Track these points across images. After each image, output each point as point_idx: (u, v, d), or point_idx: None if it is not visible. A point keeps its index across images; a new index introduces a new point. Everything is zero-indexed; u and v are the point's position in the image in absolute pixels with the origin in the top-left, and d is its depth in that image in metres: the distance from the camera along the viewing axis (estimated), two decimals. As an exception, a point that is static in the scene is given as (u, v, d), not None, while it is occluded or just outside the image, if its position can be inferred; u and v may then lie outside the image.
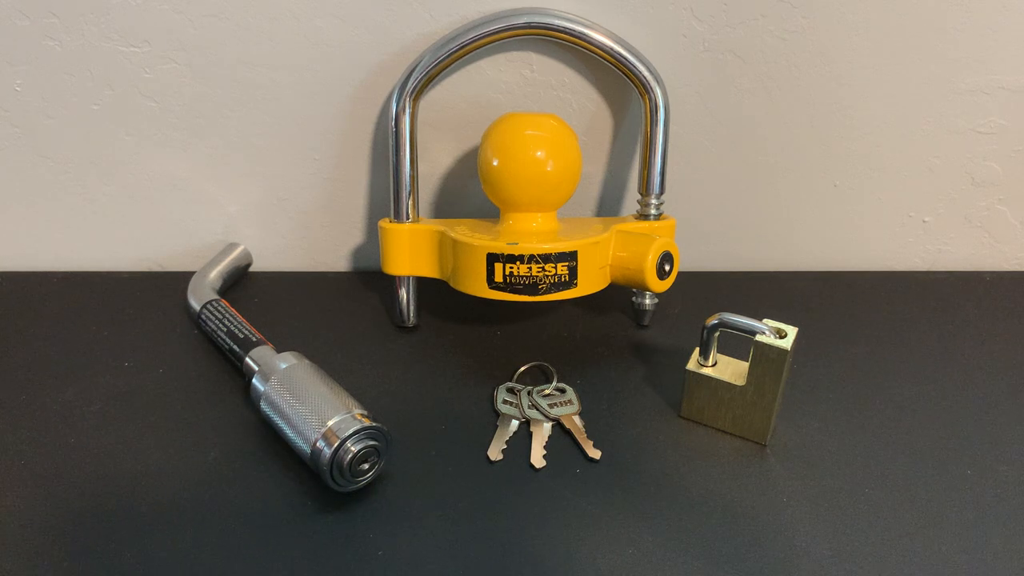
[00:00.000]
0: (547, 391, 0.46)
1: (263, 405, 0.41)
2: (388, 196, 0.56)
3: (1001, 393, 0.47)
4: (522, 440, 0.43)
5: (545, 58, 0.53)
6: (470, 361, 0.49)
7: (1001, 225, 0.60)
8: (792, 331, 0.40)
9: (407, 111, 0.49)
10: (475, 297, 0.47)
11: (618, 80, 0.53)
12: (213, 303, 0.50)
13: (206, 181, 0.57)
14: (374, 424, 0.38)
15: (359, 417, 0.38)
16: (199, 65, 0.52)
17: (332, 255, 0.60)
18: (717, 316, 0.42)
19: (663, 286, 0.47)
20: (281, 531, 0.37)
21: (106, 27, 0.51)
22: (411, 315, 0.52)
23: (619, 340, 0.52)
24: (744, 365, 0.43)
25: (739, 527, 0.37)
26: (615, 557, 0.36)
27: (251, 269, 0.60)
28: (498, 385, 0.47)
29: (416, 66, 0.49)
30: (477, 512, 0.38)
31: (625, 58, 0.49)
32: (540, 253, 0.45)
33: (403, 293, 0.52)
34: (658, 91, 0.50)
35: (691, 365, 0.43)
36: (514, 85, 0.53)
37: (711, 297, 0.56)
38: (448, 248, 0.48)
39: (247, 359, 0.45)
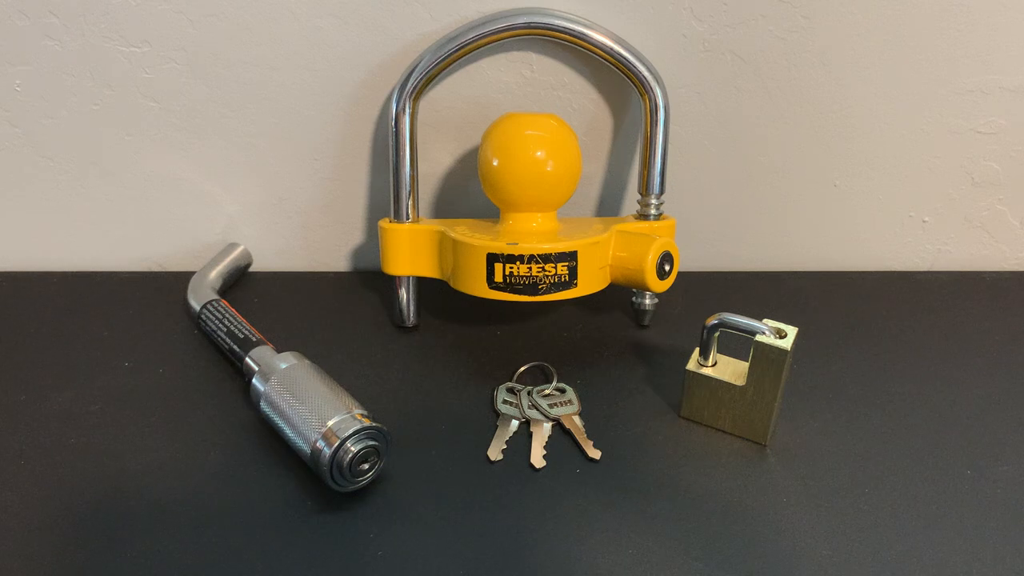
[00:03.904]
0: (547, 391, 0.46)
1: (263, 405, 0.41)
2: (388, 196, 0.56)
3: (1001, 393, 0.47)
4: (522, 440, 0.43)
5: (545, 58, 0.53)
6: (470, 361, 0.49)
7: (1001, 225, 0.60)
8: (792, 331, 0.40)
9: (407, 111, 0.49)
10: (475, 297, 0.47)
11: (618, 80, 0.53)
12: (213, 303, 0.50)
13: (206, 181, 0.57)
14: (374, 424, 0.38)
15: (359, 417, 0.38)
16: (199, 65, 0.52)
17: (332, 255, 0.60)
18: (717, 316, 0.42)
19: (663, 286, 0.47)
20: (281, 531, 0.37)
21: (106, 27, 0.51)
22: (411, 315, 0.52)
23: (619, 340, 0.52)
24: (744, 365, 0.43)
25: (739, 527, 0.37)
26: (615, 557, 0.36)
27: (251, 269, 0.59)
28: (498, 385, 0.47)
29: (416, 66, 0.49)
30: (477, 512, 0.38)
31: (625, 58, 0.49)
32: (540, 253, 0.45)
33: (403, 293, 0.52)
34: (658, 91, 0.50)
35: (691, 365, 0.43)
36: (514, 85, 0.53)
37: (711, 297, 0.56)
38: (448, 248, 0.48)
39: (247, 359, 0.45)
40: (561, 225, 0.50)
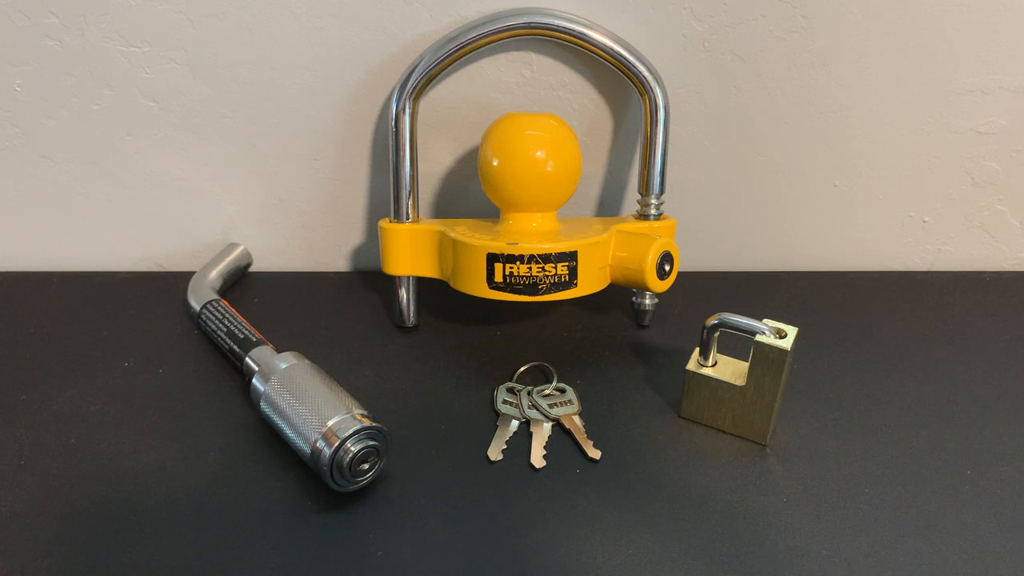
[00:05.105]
0: (547, 391, 0.46)
1: (263, 405, 0.41)
2: (388, 196, 0.56)
3: (1001, 393, 0.47)
4: (522, 440, 0.43)
5: (545, 58, 0.53)
6: (470, 361, 0.49)
7: (1001, 225, 0.60)
8: (792, 331, 0.40)
9: (407, 111, 0.49)
10: (475, 297, 0.47)
11: (618, 80, 0.53)
12: (213, 303, 0.50)
13: (206, 181, 0.57)
14: (374, 424, 0.38)
15: (359, 417, 0.38)
16: (199, 65, 0.52)
17: (332, 255, 0.60)
18: (717, 316, 0.42)
19: (663, 286, 0.47)
20: (281, 531, 0.37)
21: (106, 27, 0.51)
22: (411, 315, 0.52)
23: (619, 340, 0.52)
24: (744, 365, 0.43)
25: (739, 527, 0.37)
26: (615, 557, 0.36)
27: (251, 269, 0.60)
28: (498, 385, 0.47)
29: (416, 66, 0.49)
30: (477, 512, 0.38)
31: (625, 58, 0.49)
32: (540, 253, 0.45)
33: (403, 293, 0.52)
34: (658, 91, 0.50)
35: (691, 365, 0.43)
36: (514, 85, 0.53)
37: (711, 297, 0.56)
38: (448, 248, 0.48)
39: (247, 359, 0.45)
40: (561, 225, 0.50)
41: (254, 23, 0.51)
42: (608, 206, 0.59)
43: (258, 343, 0.46)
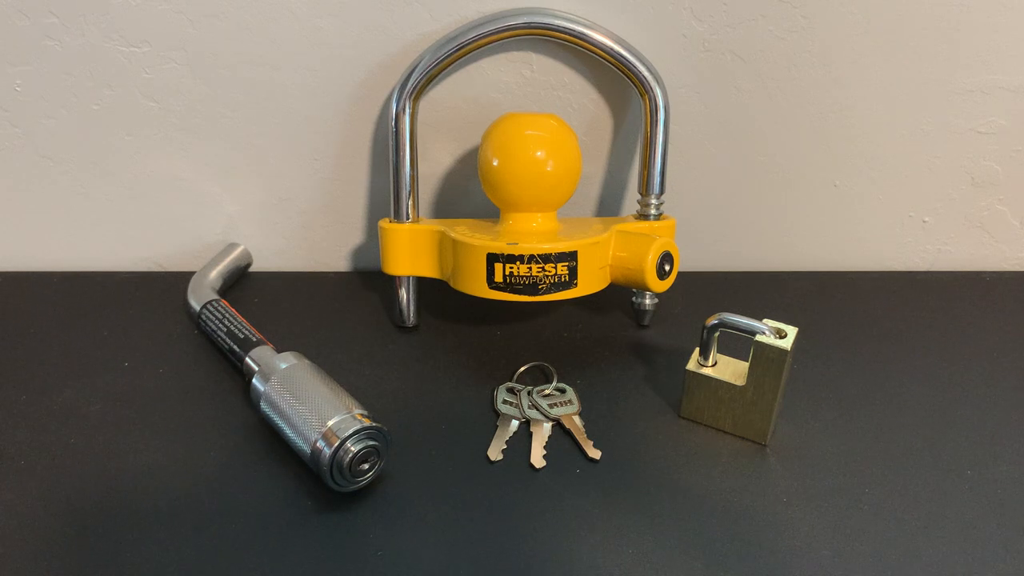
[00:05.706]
0: (547, 391, 0.46)
1: (263, 405, 0.41)
2: (388, 196, 0.56)
3: (1001, 393, 0.47)
4: (522, 440, 0.43)
5: (545, 58, 0.53)
6: (470, 361, 0.49)
7: (1001, 225, 0.60)
8: (792, 331, 0.40)
9: (407, 111, 0.49)
10: (475, 297, 0.47)
11: (618, 80, 0.53)
12: (213, 303, 0.50)
13: (206, 181, 0.57)
14: (374, 424, 0.38)
15: (359, 417, 0.38)
16: (199, 65, 0.52)
17: (332, 255, 0.60)
18: (717, 316, 0.42)
19: (663, 286, 0.47)
20: (281, 531, 0.37)
21: (106, 27, 0.51)
22: (411, 315, 0.52)
23: (619, 340, 0.52)
24: (744, 365, 0.43)
25: (739, 527, 0.37)
26: (615, 557, 0.36)
27: (251, 269, 0.60)
28: (498, 385, 0.47)
29: (416, 66, 0.49)
30: (477, 512, 0.38)
31: (625, 58, 0.49)
32: (540, 253, 0.45)
33: (403, 293, 0.52)
34: (658, 91, 0.50)
35: (691, 365, 0.43)
36: (514, 85, 0.53)
37: (711, 297, 0.56)
38: (448, 248, 0.48)
39: (247, 359, 0.45)
40: (561, 225, 0.50)
41: (254, 23, 0.51)
42: (608, 206, 0.59)
43: (258, 343, 0.46)
